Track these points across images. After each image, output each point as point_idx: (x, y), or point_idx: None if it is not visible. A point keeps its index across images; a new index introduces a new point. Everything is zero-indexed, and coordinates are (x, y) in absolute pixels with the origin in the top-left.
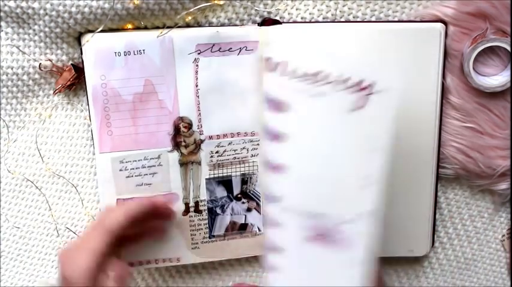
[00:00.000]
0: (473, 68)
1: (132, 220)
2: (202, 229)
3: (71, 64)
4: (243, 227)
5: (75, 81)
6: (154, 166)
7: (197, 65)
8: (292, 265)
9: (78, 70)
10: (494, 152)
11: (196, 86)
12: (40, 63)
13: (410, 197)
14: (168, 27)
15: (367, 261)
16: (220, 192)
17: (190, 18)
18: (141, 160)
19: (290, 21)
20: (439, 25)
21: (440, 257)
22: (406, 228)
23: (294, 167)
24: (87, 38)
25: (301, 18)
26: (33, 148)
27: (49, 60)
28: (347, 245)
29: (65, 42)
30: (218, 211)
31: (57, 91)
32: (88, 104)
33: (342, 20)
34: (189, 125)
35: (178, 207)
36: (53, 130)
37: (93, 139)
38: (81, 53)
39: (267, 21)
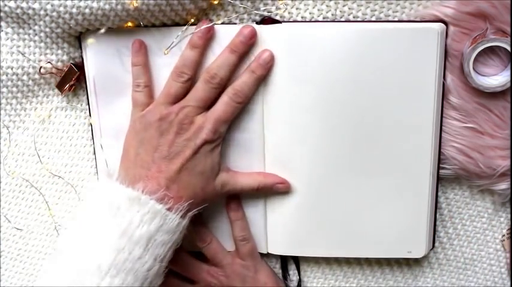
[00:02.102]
0: (473, 68)
1: None
2: None
3: (71, 63)
4: None
5: (75, 81)
6: None
7: None
8: None
9: (78, 69)
10: (494, 152)
11: None
12: (40, 67)
13: (409, 198)
14: (164, 25)
15: None
16: None
17: (193, 20)
18: None
19: (290, 20)
20: (439, 25)
21: (440, 257)
22: (404, 229)
23: None
24: (87, 38)
25: (301, 17)
26: (33, 148)
27: (49, 62)
28: None
29: (66, 42)
30: None
31: (64, 92)
32: (88, 104)
33: (342, 20)
34: None
35: None
36: (52, 130)
37: (93, 138)
38: (82, 53)
39: (266, 20)
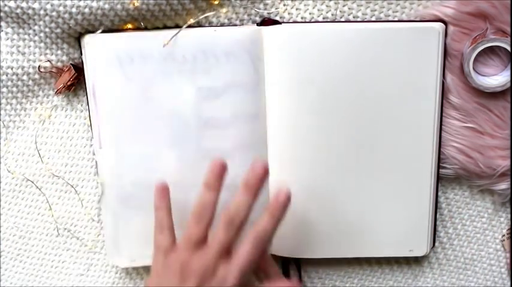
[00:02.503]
0: (473, 68)
1: None
2: None
3: (71, 64)
4: None
5: (74, 82)
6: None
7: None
8: None
9: (78, 70)
10: (494, 152)
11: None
12: (39, 65)
13: (410, 196)
14: (166, 28)
15: None
16: None
17: (192, 20)
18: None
19: (290, 21)
20: (439, 25)
21: (440, 257)
22: (405, 228)
23: None
24: (87, 38)
25: (301, 18)
26: (33, 148)
27: (48, 61)
28: None
29: (65, 43)
30: None
31: (58, 91)
32: (88, 104)
33: (342, 20)
34: None
35: None
36: (52, 130)
37: (93, 139)
38: (81, 53)
39: (266, 22)
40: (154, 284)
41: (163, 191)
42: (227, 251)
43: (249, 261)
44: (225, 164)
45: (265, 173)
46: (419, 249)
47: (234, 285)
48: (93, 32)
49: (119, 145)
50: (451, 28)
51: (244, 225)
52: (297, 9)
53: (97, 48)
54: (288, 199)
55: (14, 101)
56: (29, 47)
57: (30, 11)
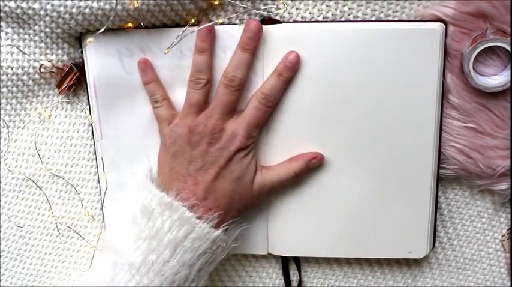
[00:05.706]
0: (473, 68)
1: None
2: None
3: (71, 64)
4: None
5: (75, 82)
6: None
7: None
8: None
9: (79, 70)
10: (494, 152)
11: None
12: (41, 65)
13: (410, 198)
14: (166, 26)
15: None
16: None
17: (193, 20)
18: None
19: (290, 20)
20: (439, 25)
21: (440, 257)
22: (405, 229)
23: None
24: (87, 38)
25: (301, 17)
26: (33, 148)
27: (49, 61)
28: None
29: (66, 43)
30: None
31: (61, 91)
32: (89, 104)
33: (342, 20)
34: None
35: None
36: (52, 130)
37: (93, 138)
38: (82, 53)
39: (267, 21)
40: (166, 154)
41: (146, 66)
42: (232, 112)
43: (257, 116)
44: (213, 28)
45: (258, 30)
46: (418, 251)
47: (242, 139)
48: (93, 31)
49: (119, 138)
50: (451, 28)
51: (244, 84)
52: (297, 9)
53: (98, 44)
54: (297, 60)
55: (14, 101)
56: (29, 47)
57: (30, 11)
